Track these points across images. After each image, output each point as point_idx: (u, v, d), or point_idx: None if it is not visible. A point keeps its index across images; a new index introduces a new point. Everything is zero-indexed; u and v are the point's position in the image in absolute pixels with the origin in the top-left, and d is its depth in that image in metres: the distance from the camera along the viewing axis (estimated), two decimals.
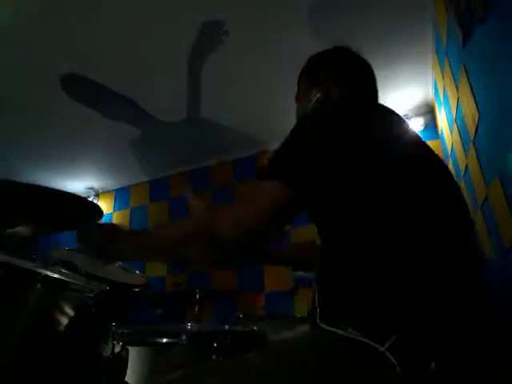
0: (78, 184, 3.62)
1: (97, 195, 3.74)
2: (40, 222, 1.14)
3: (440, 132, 2.37)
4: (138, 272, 1.70)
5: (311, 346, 0.63)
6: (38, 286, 0.92)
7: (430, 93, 2.41)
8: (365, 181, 0.66)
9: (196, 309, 2.07)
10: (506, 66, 1.00)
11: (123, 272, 1.59)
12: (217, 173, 3.25)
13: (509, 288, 1.17)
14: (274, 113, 2.58)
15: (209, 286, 2.79)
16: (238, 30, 1.95)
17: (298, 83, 1.03)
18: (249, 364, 0.62)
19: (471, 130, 1.41)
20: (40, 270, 0.94)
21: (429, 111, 2.55)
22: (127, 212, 3.59)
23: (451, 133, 1.90)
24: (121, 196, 3.70)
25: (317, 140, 0.68)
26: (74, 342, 0.97)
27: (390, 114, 0.81)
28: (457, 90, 1.57)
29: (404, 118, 0.86)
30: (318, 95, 0.93)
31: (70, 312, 0.98)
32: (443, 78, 1.88)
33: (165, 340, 0.86)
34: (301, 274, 1.30)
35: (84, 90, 2.35)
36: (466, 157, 1.60)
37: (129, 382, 0.82)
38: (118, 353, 0.84)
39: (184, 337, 0.84)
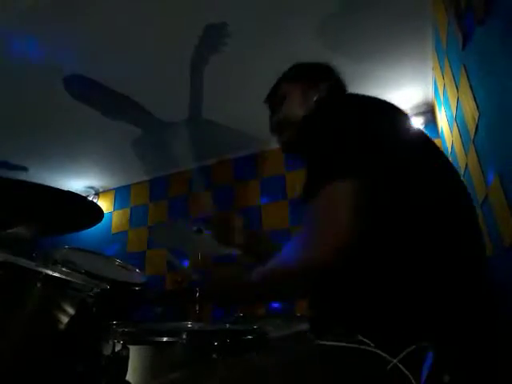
0: (78, 183, 3.62)
1: (97, 194, 3.74)
2: (40, 222, 1.14)
3: (440, 131, 2.38)
4: (137, 270, 1.70)
5: (316, 355, 0.61)
6: (39, 284, 0.92)
7: (430, 92, 2.41)
8: (396, 180, 0.62)
9: (196, 307, 2.07)
10: (506, 66, 1.00)
11: (123, 270, 1.59)
12: (217, 172, 3.25)
13: (508, 287, 1.17)
14: None
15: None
16: (238, 30, 1.95)
17: (279, 86, 1.02)
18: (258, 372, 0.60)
19: (471, 129, 1.41)
20: (40, 269, 0.94)
21: (429, 110, 2.56)
22: (127, 211, 3.59)
23: (451, 132, 1.90)
24: (121, 195, 3.70)
25: (365, 130, 0.64)
26: (75, 340, 0.97)
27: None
28: (457, 89, 1.57)
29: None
30: (317, 96, 0.93)
31: (71, 311, 0.98)
32: (443, 77, 1.88)
33: (165, 339, 0.86)
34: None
35: (85, 89, 2.35)
36: (466, 156, 1.60)
37: (129, 380, 0.82)
38: (118, 352, 0.84)
39: (184, 336, 0.85)
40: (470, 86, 1.35)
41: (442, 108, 2.10)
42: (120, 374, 0.81)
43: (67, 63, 2.14)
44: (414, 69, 2.20)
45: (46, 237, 1.35)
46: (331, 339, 0.60)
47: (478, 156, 1.42)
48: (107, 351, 0.86)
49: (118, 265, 1.59)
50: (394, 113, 0.73)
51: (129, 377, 0.82)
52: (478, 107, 1.29)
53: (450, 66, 1.67)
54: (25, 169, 3.23)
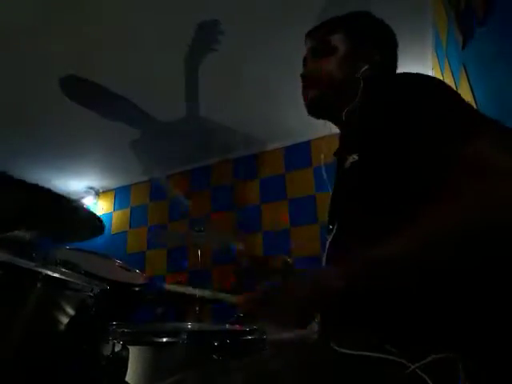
0: (78, 183, 3.62)
1: (97, 194, 3.74)
2: (40, 227, 1.14)
3: None
4: (137, 271, 1.70)
5: (335, 362, 0.59)
6: (39, 285, 0.92)
7: None
8: None
9: (196, 308, 2.07)
10: (506, 65, 1.00)
11: (123, 271, 1.59)
12: (217, 172, 3.25)
13: None
14: (273, 112, 2.59)
15: (209, 286, 2.79)
16: (238, 30, 1.95)
17: (336, 31, 0.90)
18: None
19: None
20: (40, 270, 0.94)
21: None
22: (127, 211, 3.59)
23: None
24: (121, 195, 3.70)
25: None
26: (75, 341, 0.97)
27: None
28: (457, 89, 1.57)
29: None
30: (366, 67, 0.86)
31: (71, 311, 0.98)
32: (443, 77, 1.88)
33: (165, 339, 0.86)
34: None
35: (84, 91, 2.34)
36: None
37: (129, 381, 0.82)
38: (118, 352, 0.84)
39: (184, 336, 0.85)
40: (470, 86, 1.35)
41: None
42: (120, 374, 0.81)
43: (67, 63, 2.14)
44: (413, 68, 2.19)
45: (45, 240, 1.35)
46: (352, 347, 0.57)
47: None
48: (107, 352, 0.86)
49: (117, 265, 1.59)
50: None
51: (128, 377, 0.82)
52: (477, 107, 1.29)
53: (450, 66, 1.67)
54: (25, 169, 3.22)
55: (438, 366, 0.51)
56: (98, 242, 3.43)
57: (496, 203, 0.49)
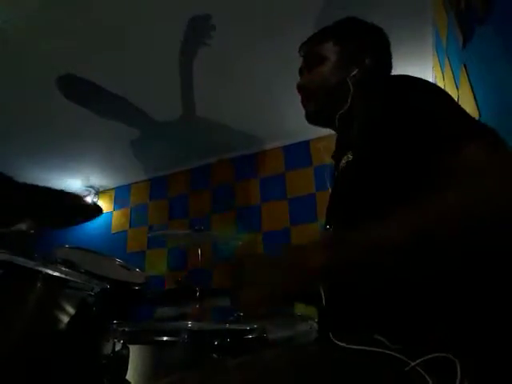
0: (77, 182, 3.62)
1: (97, 194, 3.74)
2: (39, 220, 1.14)
3: None
4: (137, 270, 1.70)
5: (335, 357, 0.59)
6: (39, 284, 0.92)
7: None
8: None
9: (196, 307, 2.07)
10: (506, 65, 1.00)
11: (123, 270, 1.59)
12: (217, 171, 3.25)
13: None
14: (273, 111, 2.58)
15: (209, 284, 2.79)
16: (238, 29, 1.95)
17: (324, 40, 0.94)
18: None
19: None
20: (41, 269, 0.94)
21: None
22: (127, 210, 3.58)
23: None
24: (121, 194, 3.70)
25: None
26: (75, 340, 0.97)
27: None
28: (457, 89, 1.56)
29: None
30: (356, 71, 0.88)
31: (71, 310, 0.98)
32: (443, 76, 1.88)
33: (166, 338, 0.86)
34: None
35: (83, 90, 2.34)
36: None
37: (129, 379, 0.82)
38: (118, 351, 0.84)
39: (185, 335, 0.85)
40: (471, 86, 1.35)
41: None
42: (120, 373, 0.82)
43: (66, 63, 2.14)
44: (414, 68, 2.20)
45: (46, 234, 1.35)
46: (351, 342, 0.58)
47: None
48: (107, 350, 0.86)
49: (118, 264, 1.60)
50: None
51: (129, 376, 0.82)
52: (478, 107, 1.29)
53: (451, 66, 1.67)
54: (24, 168, 3.22)
55: (436, 365, 0.51)
56: (98, 241, 3.45)
57: (482, 201, 0.50)
